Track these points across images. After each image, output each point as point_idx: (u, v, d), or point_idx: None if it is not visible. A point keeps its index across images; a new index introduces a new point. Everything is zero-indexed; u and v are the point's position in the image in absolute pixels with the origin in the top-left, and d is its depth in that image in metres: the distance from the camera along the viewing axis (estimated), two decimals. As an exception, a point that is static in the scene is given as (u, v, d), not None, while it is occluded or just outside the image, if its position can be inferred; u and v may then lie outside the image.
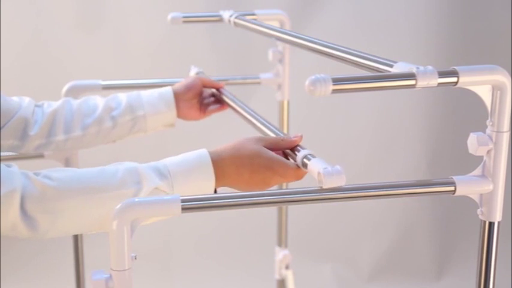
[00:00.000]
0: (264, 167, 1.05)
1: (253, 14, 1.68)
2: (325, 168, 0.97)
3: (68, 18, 2.69)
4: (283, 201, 0.97)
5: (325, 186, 0.96)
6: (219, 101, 1.53)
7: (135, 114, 1.44)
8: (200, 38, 2.73)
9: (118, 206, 0.89)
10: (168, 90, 1.47)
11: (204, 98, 1.53)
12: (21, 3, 2.65)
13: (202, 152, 1.05)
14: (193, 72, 1.65)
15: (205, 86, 1.51)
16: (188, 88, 1.48)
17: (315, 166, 1.00)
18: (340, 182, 0.96)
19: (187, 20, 1.71)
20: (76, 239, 1.78)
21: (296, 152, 1.07)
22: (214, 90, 1.54)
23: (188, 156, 1.05)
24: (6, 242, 2.70)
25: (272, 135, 1.19)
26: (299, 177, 1.06)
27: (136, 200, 0.90)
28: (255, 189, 1.06)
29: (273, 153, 1.07)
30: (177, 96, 1.47)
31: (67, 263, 2.35)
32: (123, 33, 2.72)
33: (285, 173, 1.05)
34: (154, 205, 0.90)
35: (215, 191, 1.06)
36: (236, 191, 1.08)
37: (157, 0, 2.70)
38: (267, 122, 1.27)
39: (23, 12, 2.66)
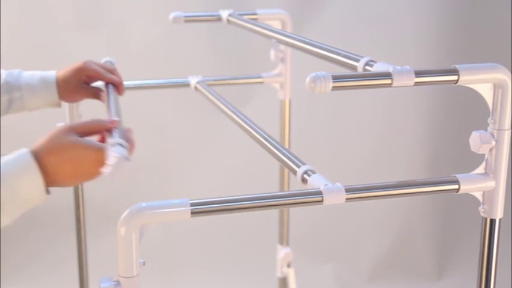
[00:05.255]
0: (85, 158, 0.99)
1: (254, 14, 1.69)
2: (326, 185, 0.97)
3: (68, 18, 2.70)
4: (291, 203, 0.98)
5: (325, 203, 0.96)
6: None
7: (11, 95, 1.42)
8: (201, 37, 2.74)
9: (126, 212, 0.88)
10: (51, 73, 1.45)
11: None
12: (21, 4, 2.65)
13: (23, 152, 0.99)
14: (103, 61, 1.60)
15: (90, 76, 1.42)
16: (71, 71, 1.43)
17: (315, 182, 1.01)
18: (340, 199, 0.96)
19: (189, 19, 1.72)
20: (79, 240, 1.79)
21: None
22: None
23: (8, 158, 0.98)
24: (8, 243, 2.70)
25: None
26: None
27: (144, 205, 0.89)
28: (82, 181, 1.02)
29: (90, 141, 1.01)
30: (59, 78, 1.44)
31: (69, 265, 2.36)
32: (123, 33, 2.73)
33: (104, 157, 0.98)
34: (162, 210, 0.90)
35: (48, 191, 1.00)
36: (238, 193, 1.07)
37: (157, 0, 2.71)
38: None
39: (23, 13, 2.67)
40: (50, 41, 2.70)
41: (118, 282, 0.89)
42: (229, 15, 1.66)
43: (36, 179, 0.97)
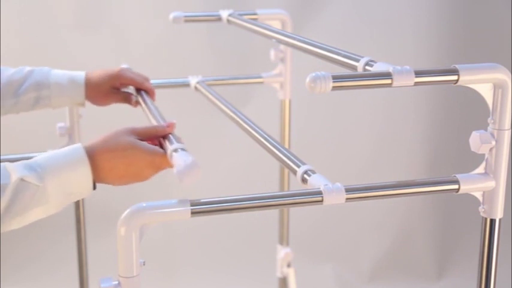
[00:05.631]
0: (139, 159, 1.02)
1: (254, 14, 1.69)
2: (326, 185, 0.97)
3: (68, 19, 2.70)
4: (291, 203, 0.98)
5: (325, 203, 0.96)
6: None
7: (39, 93, 1.44)
8: (201, 37, 2.74)
9: (126, 212, 0.89)
10: (80, 75, 1.47)
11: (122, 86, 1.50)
12: (21, 4, 2.65)
13: (76, 146, 1.02)
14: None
15: (124, 84, 1.48)
16: (105, 77, 1.47)
17: (315, 182, 1.01)
18: (340, 199, 0.96)
19: (189, 19, 1.72)
20: (79, 240, 1.79)
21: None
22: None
23: (61, 151, 1.02)
24: (8, 243, 2.70)
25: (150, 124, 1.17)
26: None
27: (144, 205, 0.90)
28: (131, 182, 1.05)
29: (146, 144, 1.05)
30: (89, 81, 1.47)
31: (69, 265, 2.36)
32: (123, 33, 2.73)
33: (161, 163, 1.03)
34: (162, 210, 0.90)
35: (94, 186, 1.03)
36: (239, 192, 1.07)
37: (157, 0, 2.71)
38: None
39: (23, 13, 2.67)
40: (50, 41, 2.70)
41: (119, 283, 0.90)
42: (229, 15, 1.66)
43: (86, 173, 1.00)
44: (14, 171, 0.96)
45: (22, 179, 0.95)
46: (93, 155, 1.01)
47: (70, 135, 1.66)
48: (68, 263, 2.45)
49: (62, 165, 0.99)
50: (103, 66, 2.65)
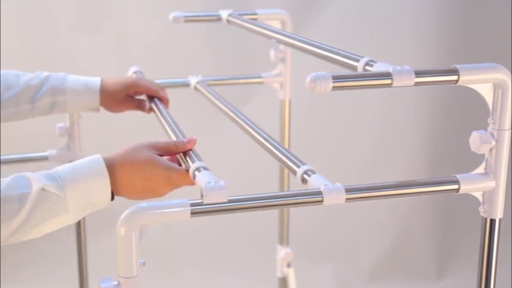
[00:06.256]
0: (156, 175, 1.03)
1: (254, 14, 1.69)
2: (326, 185, 0.97)
3: (68, 19, 2.70)
4: (291, 203, 0.98)
5: (325, 203, 0.96)
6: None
7: (55, 99, 1.45)
8: (201, 37, 2.74)
9: (126, 212, 0.89)
10: (95, 82, 1.47)
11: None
12: (21, 4, 2.65)
13: (96, 157, 1.03)
14: (131, 72, 1.65)
15: (139, 92, 1.49)
16: (121, 85, 1.48)
17: (315, 182, 1.01)
18: (340, 199, 0.96)
19: (189, 19, 1.72)
20: (79, 240, 1.78)
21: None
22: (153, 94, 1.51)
23: (81, 162, 1.03)
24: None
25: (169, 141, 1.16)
26: (192, 183, 1.04)
27: (144, 205, 0.90)
28: (147, 197, 1.04)
29: (165, 160, 1.05)
30: (105, 88, 1.47)
31: (69, 265, 2.35)
32: (123, 33, 2.73)
33: (178, 179, 1.04)
34: (162, 210, 0.90)
35: (113, 198, 1.03)
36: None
37: (157, 0, 2.71)
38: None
39: (23, 13, 2.67)
40: (50, 41, 2.70)
41: (118, 283, 0.90)
42: (229, 15, 1.66)
43: (105, 184, 1.00)
44: (35, 181, 0.97)
45: (43, 189, 0.96)
46: (112, 167, 1.02)
47: (70, 135, 1.66)
48: (68, 263, 2.45)
49: (82, 176, 1.00)
50: (103, 66, 2.68)
